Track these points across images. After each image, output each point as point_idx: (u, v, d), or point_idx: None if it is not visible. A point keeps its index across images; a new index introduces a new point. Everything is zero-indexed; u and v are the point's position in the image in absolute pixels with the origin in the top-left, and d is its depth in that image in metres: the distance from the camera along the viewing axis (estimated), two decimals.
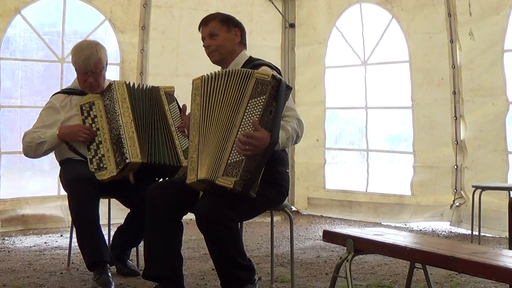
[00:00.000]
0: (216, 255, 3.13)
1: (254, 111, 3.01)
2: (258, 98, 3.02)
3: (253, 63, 3.35)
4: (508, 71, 5.62)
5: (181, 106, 3.88)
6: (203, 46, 3.43)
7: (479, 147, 5.86)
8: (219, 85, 3.13)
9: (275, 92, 3.02)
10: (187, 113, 3.78)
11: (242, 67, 3.28)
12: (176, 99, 3.96)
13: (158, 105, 3.84)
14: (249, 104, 3.02)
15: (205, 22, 3.44)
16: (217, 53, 3.40)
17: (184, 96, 5.69)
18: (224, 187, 2.98)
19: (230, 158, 2.99)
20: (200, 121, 3.13)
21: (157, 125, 3.78)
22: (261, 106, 3.01)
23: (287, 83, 3.12)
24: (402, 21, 6.37)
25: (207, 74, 3.19)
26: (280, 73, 3.35)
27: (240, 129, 3.00)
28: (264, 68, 3.27)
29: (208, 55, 3.44)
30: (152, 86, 3.96)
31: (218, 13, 3.52)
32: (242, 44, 3.45)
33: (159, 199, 3.25)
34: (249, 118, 3.00)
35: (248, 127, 3.00)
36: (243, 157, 2.98)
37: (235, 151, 2.99)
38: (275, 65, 3.42)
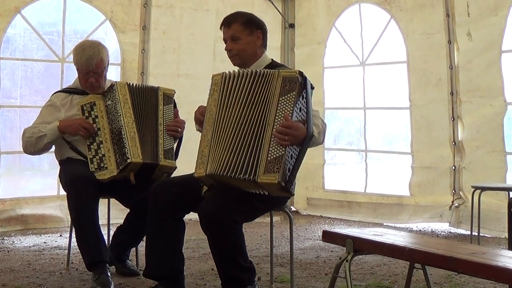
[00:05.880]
0: (218, 256, 3.13)
1: (286, 107, 2.99)
2: (288, 95, 3.00)
3: (274, 68, 3.30)
4: (505, 72, 5.63)
5: (178, 111, 3.92)
6: (225, 49, 3.39)
7: (477, 148, 5.87)
8: (242, 84, 3.09)
9: (303, 88, 3.02)
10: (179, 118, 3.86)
11: None
12: (174, 102, 3.96)
13: (154, 104, 3.85)
14: (280, 102, 3.00)
15: (228, 24, 3.37)
16: (238, 58, 3.36)
17: (185, 96, 5.74)
18: (269, 184, 2.95)
19: (270, 155, 2.96)
20: (216, 117, 3.11)
21: (148, 124, 3.79)
22: (292, 102, 2.99)
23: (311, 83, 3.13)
24: (400, 22, 6.37)
25: (229, 71, 3.16)
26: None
27: (275, 126, 2.98)
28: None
29: (229, 58, 3.39)
30: (152, 86, 3.98)
31: (241, 14, 3.43)
32: (263, 46, 3.42)
33: (162, 198, 3.24)
34: (282, 115, 2.98)
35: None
36: (282, 152, 2.95)
37: (274, 146, 2.96)
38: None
